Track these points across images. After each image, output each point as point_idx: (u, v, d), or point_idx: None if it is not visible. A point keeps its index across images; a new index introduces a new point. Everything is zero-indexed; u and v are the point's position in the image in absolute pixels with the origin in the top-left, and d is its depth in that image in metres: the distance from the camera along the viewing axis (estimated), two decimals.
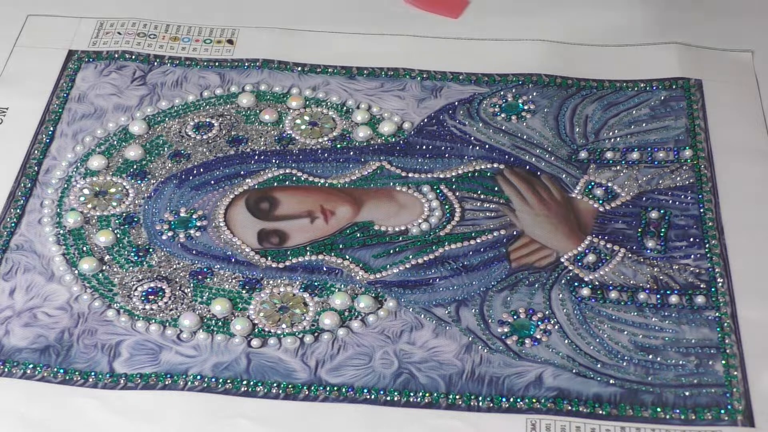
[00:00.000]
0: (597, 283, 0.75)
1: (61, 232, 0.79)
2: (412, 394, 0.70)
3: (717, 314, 0.73)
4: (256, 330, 0.73)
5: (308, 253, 0.77)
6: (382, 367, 0.71)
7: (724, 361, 0.71)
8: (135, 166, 0.83)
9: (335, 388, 0.70)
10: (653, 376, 0.70)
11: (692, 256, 0.76)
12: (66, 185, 0.82)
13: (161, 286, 0.76)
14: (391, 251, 0.78)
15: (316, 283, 0.76)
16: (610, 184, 0.81)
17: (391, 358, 0.72)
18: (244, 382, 0.70)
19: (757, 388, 0.69)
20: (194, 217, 0.80)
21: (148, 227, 0.79)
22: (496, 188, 0.82)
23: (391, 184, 0.82)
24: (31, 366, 0.71)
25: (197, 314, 0.74)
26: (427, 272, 0.76)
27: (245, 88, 0.89)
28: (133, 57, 0.91)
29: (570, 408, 0.68)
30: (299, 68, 0.90)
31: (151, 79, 0.90)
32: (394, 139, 0.85)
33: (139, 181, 0.82)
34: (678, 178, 0.81)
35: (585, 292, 0.75)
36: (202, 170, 0.83)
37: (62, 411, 0.69)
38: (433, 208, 0.80)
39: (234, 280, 0.76)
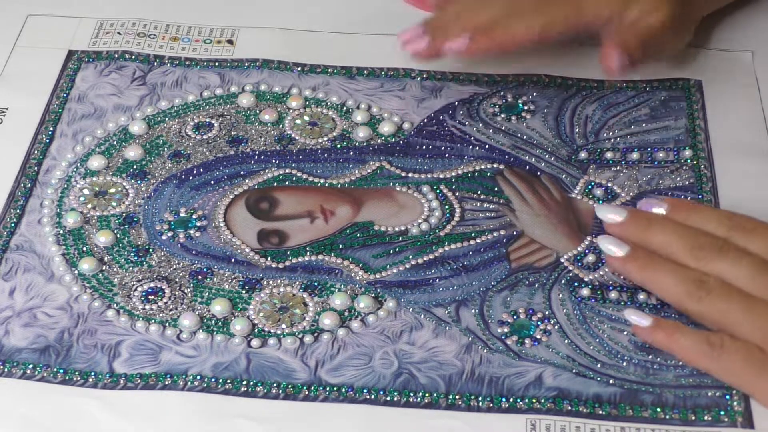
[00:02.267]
0: (597, 283, 0.75)
1: (61, 232, 0.79)
2: (412, 394, 0.69)
3: None
4: (256, 330, 0.73)
5: (308, 253, 0.77)
6: (382, 367, 0.71)
7: None
8: (135, 166, 0.83)
9: (335, 388, 0.70)
10: (653, 376, 0.70)
11: None
12: (66, 185, 0.82)
13: (161, 286, 0.76)
14: (391, 251, 0.78)
15: (315, 283, 0.76)
16: (610, 184, 0.81)
17: (391, 358, 0.71)
18: (244, 382, 0.70)
19: None
20: (194, 217, 0.80)
21: (148, 227, 0.79)
22: (496, 188, 0.81)
23: (391, 184, 0.82)
24: (31, 366, 0.71)
25: (197, 314, 0.74)
26: (427, 272, 0.76)
27: (245, 88, 0.89)
28: (133, 57, 0.91)
29: (570, 408, 0.68)
30: (299, 68, 0.90)
31: (151, 79, 0.90)
32: (394, 139, 0.85)
33: (139, 181, 0.82)
34: (678, 178, 0.81)
35: (585, 292, 0.75)
36: (202, 170, 0.83)
37: (62, 411, 0.69)
38: (433, 208, 0.80)
39: (234, 280, 0.76)
